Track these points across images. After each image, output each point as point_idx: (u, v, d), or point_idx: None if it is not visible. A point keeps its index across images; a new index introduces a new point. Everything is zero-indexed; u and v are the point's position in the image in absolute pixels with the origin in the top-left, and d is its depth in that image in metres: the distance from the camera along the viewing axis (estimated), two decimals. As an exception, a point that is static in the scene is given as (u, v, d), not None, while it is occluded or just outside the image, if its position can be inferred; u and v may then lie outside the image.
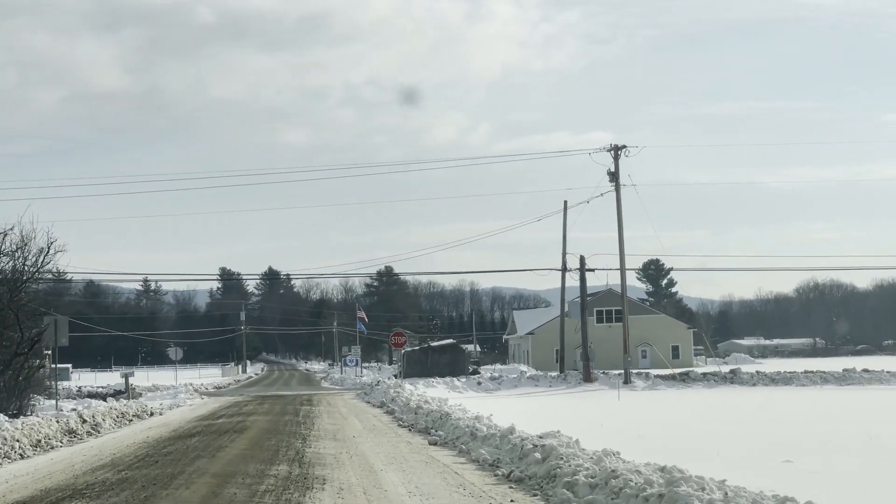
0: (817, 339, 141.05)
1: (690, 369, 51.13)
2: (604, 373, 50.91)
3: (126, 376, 38.98)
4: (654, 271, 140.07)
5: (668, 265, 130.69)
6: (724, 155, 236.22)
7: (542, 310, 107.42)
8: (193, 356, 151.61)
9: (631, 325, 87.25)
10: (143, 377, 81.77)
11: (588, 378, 48.52)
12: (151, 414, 29.69)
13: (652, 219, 52.74)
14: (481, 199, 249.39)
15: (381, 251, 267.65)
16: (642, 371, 51.38)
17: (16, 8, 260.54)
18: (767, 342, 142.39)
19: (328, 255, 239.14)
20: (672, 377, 48.46)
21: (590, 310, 76.88)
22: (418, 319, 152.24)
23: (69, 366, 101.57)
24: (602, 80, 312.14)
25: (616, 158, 48.51)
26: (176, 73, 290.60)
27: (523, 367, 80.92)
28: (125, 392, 37.84)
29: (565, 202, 54.51)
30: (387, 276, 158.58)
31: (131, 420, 26.88)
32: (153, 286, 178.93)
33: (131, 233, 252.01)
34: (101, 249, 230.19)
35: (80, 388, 44.55)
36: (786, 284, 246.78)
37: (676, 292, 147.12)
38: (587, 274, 52.50)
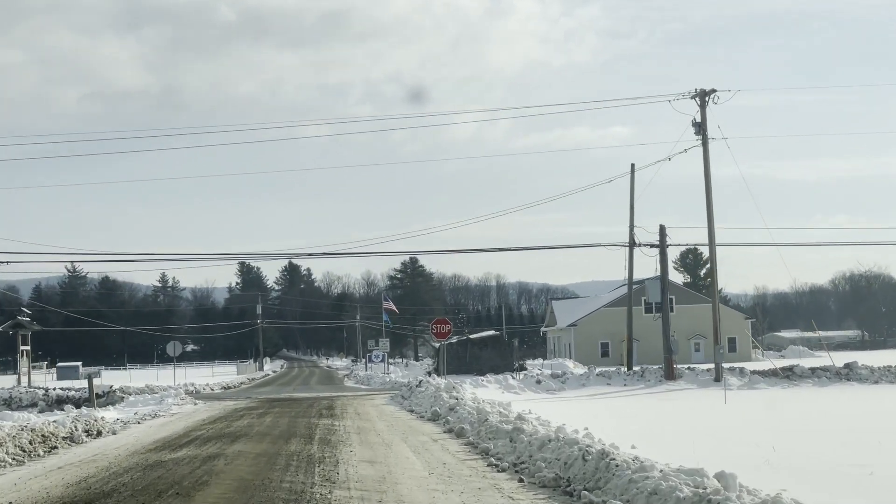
0: (864, 331, 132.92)
1: (795, 363, 42.33)
2: (689, 368, 42.12)
3: (90, 377, 30.44)
4: (691, 261, 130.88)
5: (705, 253, 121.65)
6: (746, 147, 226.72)
7: (585, 299, 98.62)
8: (211, 353, 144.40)
9: (682, 314, 79.09)
10: (151, 376, 73.94)
11: (671, 375, 39.66)
12: (98, 433, 20.13)
13: (749, 184, 44.47)
14: (502, 196, 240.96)
15: (403, 243, 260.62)
16: (735, 366, 42.59)
17: (38, 7, 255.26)
18: (811, 335, 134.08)
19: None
20: (773, 373, 39.67)
21: (636, 299, 68.21)
22: (444, 313, 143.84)
23: (79, 364, 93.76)
24: (622, 74, 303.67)
25: (702, 106, 39.65)
26: (197, 71, 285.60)
27: (569, 363, 72.32)
28: (89, 398, 29.40)
29: (632, 165, 46.09)
30: (412, 269, 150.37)
31: (53, 447, 17.25)
32: (170, 282, 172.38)
33: (149, 229, 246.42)
34: (118, 245, 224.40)
35: (47, 389, 36.07)
36: (821, 276, 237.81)
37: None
38: (638, 259, 44.27)
